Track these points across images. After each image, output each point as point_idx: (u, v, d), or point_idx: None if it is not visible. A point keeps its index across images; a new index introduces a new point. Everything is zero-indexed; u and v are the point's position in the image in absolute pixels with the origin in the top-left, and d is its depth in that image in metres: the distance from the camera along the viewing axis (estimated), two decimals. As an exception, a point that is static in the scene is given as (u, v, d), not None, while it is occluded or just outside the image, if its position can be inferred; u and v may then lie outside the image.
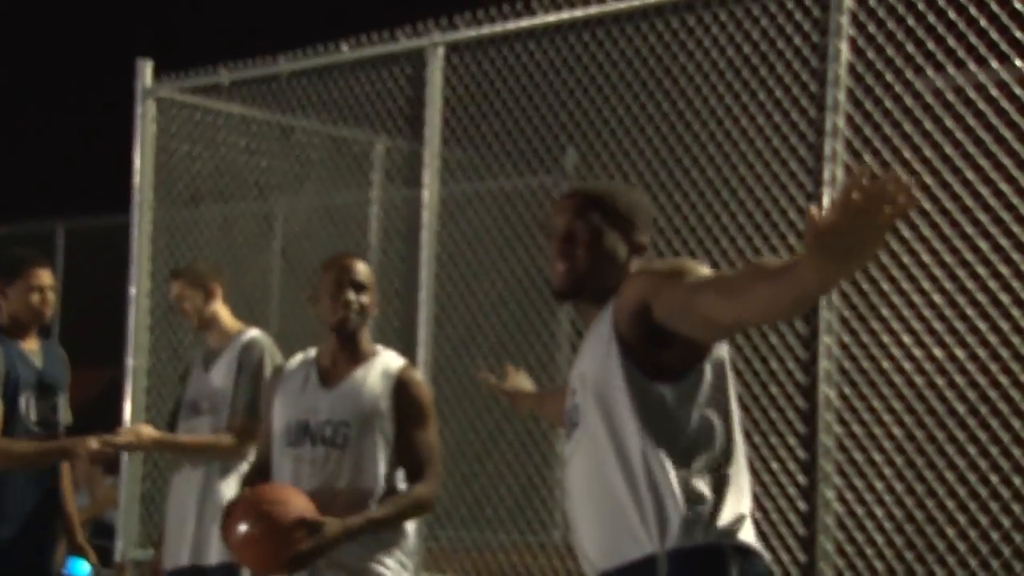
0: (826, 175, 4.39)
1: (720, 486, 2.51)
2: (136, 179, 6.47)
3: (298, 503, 3.44)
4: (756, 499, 4.69)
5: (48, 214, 9.32)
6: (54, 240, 9.21)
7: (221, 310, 4.69)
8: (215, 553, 4.45)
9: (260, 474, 3.80)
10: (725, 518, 2.50)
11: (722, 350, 2.58)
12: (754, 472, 4.66)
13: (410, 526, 3.72)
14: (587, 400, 2.60)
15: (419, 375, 3.79)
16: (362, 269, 3.68)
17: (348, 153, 6.67)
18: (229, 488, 4.47)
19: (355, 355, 3.68)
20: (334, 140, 6.69)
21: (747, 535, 2.52)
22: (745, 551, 2.51)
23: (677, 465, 2.49)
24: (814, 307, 4.46)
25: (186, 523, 4.56)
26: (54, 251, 9.21)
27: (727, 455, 2.54)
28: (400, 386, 3.65)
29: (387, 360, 3.70)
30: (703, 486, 2.49)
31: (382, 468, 3.62)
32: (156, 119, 6.47)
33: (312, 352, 3.77)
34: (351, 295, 3.61)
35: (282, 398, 3.73)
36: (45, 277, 4.62)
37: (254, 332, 4.66)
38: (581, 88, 5.36)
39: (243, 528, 3.41)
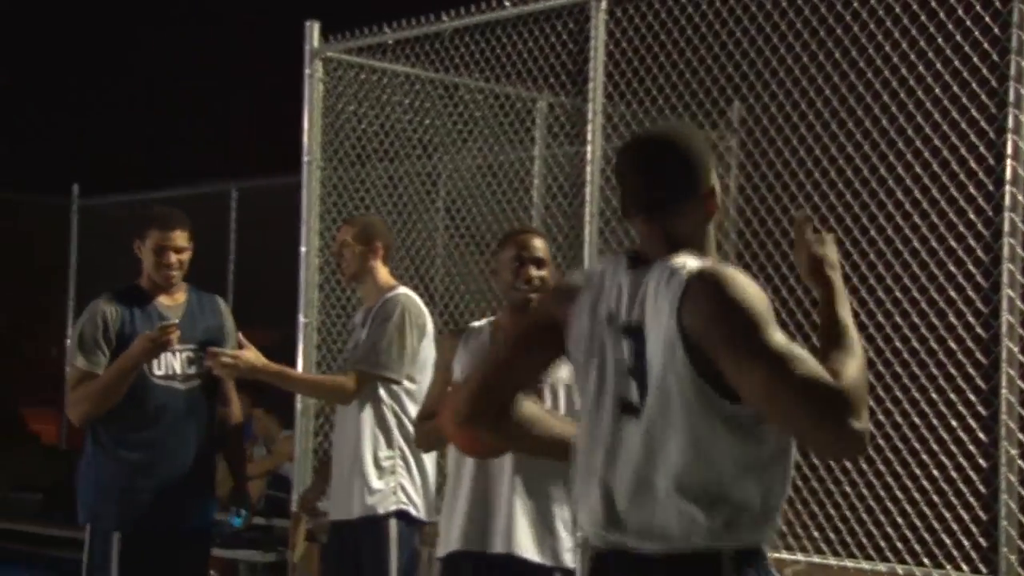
0: (1009, 122, 4.22)
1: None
2: (305, 140, 6.59)
3: None
4: (935, 456, 4.58)
5: (222, 176, 9.59)
6: (228, 201, 9.47)
7: (378, 267, 4.71)
8: (357, 507, 4.52)
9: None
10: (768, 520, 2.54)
11: None
12: (932, 428, 4.55)
13: None
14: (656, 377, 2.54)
15: None
16: (539, 244, 3.85)
17: (511, 110, 6.67)
18: (378, 446, 4.53)
19: None
20: (497, 97, 6.70)
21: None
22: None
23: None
24: (996, 259, 4.31)
25: (339, 478, 4.66)
26: (228, 212, 9.48)
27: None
28: None
29: None
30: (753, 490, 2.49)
31: None
32: (323, 80, 6.57)
33: (490, 318, 4.02)
34: (532, 271, 3.78)
35: (465, 353, 3.93)
36: (168, 238, 4.70)
37: (400, 289, 4.67)
38: (748, 39, 5.25)
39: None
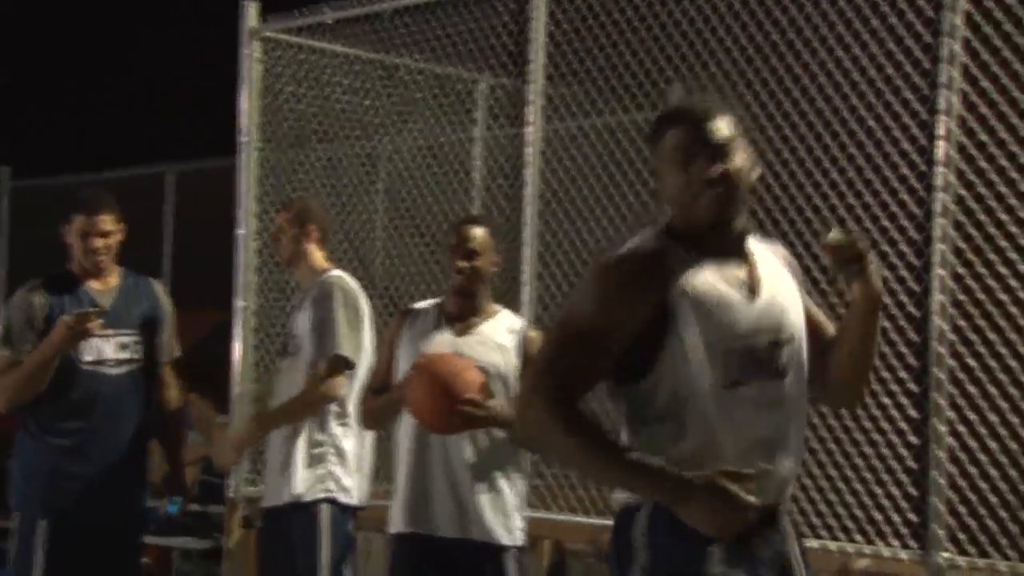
0: (941, 103, 4.27)
1: None
2: (242, 120, 6.53)
3: (475, 379, 3.80)
4: (867, 433, 4.63)
5: (157, 159, 9.47)
6: (163, 184, 9.36)
7: (312, 251, 4.68)
8: (286, 493, 4.50)
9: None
10: None
11: None
12: (864, 407, 4.59)
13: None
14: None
15: (533, 335, 4.08)
16: (476, 235, 4.01)
17: (452, 91, 6.65)
18: (313, 431, 4.50)
19: (478, 309, 4.05)
20: (437, 78, 6.68)
21: None
22: None
23: None
24: (928, 239, 4.36)
25: (272, 463, 4.63)
26: (163, 195, 9.36)
27: None
28: (527, 342, 4.00)
29: (510, 319, 4.10)
30: None
31: None
32: (261, 60, 6.51)
33: (435, 300, 4.15)
34: (463, 263, 3.97)
35: (410, 336, 4.05)
36: (93, 223, 4.64)
37: (334, 272, 4.64)
38: (687, 20, 5.27)
39: (421, 385, 3.77)
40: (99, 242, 4.66)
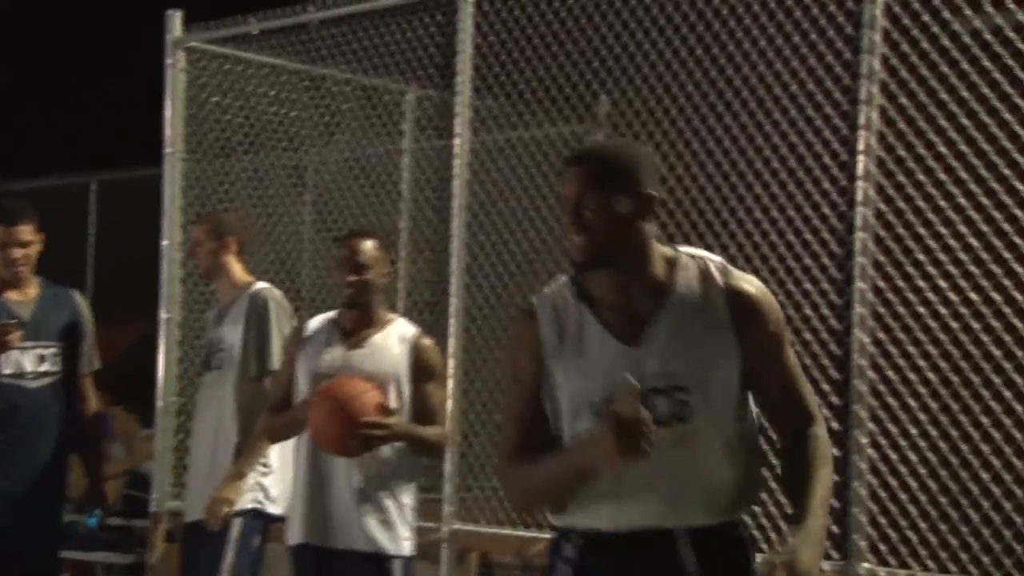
0: (861, 119, 4.34)
1: None
2: (167, 131, 6.47)
3: (373, 400, 3.86)
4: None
5: (81, 168, 9.35)
6: (88, 194, 9.24)
7: (231, 263, 4.66)
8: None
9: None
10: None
11: None
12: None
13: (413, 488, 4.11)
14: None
15: (432, 341, 4.15)
16: (364, 249, 4.04)
17: (379, 103, 6.64)
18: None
19: (371, 321, 4.07)
20: (365, 90, 6.66)
21: None
22: None
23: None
24: (849, 252, 4.43)
25: (196, 477, 4.62)
26: (88, 205, 9.25)
27: None
28: (417, 349, 4.05)
29: (403, 326, 4.12)
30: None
31: None
32: (186, 70, 6.45)
33: (330, 315, 4.16)
34: (352, 276, 3.99)
35: (306, 356, 4.09)
36: (10, 233, 4.57)
37: (261, 285, 4.64)
38: (613, 34, 5.31)
39: (321, 410, 3.84)
40: (18, 252, 4.59)
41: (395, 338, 4.07)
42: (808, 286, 4.69)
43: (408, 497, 4.08)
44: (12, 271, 4.60)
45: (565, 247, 2.63)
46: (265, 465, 4.47)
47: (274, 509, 4.49)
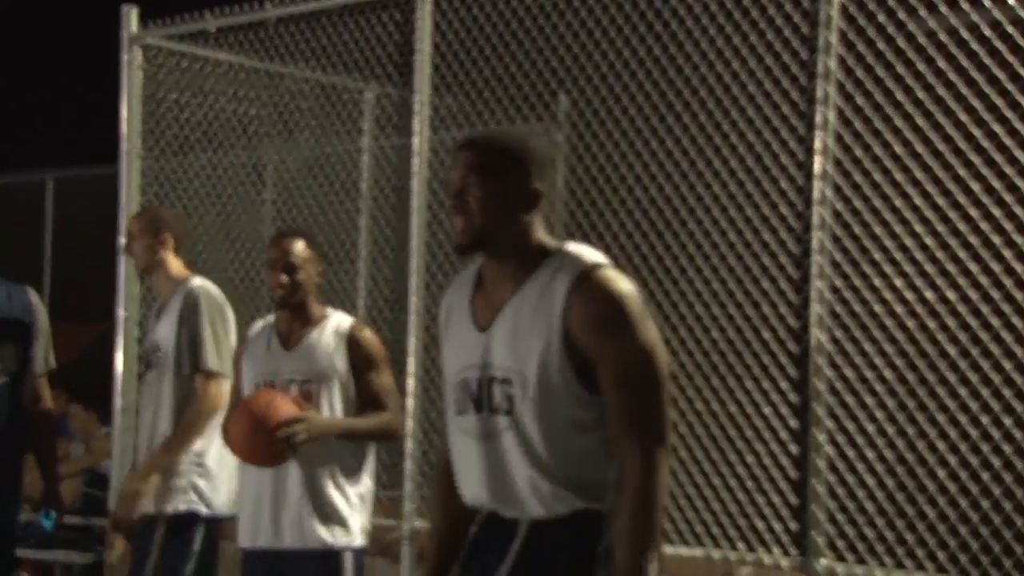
0: (818, 118, 4.37)
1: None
2: (123, 128, 6.41)
3: (284, 404, 3.91)
4: (748, 443, 4.73)
5: (37, 165, 9.26)
6: (44, 191, 9.15)
7: (169, 259, 4.60)
8: (147, 504, 4.45)
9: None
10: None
11: None
12: (746, 416, 4.68)
13: (369, 479, 4.13)
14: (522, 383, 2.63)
15: (367, 330, 4.20)
16: (293, 249, 4.05)
17: (338, 101, 6.62)
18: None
19: (307, 319, 4.10)
20: (323, 88, 6.64)
21: None
22: None
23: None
24: (806, 251, 4.46)
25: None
26: (44, 202, 9.16)
27: None
28: (352, 341, 4.07)
29: (338, 320, 4.13)
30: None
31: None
32: (143, 67, 6.40)
33: (271, 318, 4.22)
34: (282, 277, 4.02)
35: (248, 361, 4.16)
36: None
37: (195, 281, 4.57)
38: (572, 33, 5.32)
39: (239, 429, 3.91)
40: None
41: (330, 333, 4.10)
42: (766, 284, 4.72)
43: (356, 489, 4.09)
44: None
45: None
46: (199, 465, 4.42)
47: (215, 510, 4.45)
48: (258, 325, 4.24)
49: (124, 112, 6.40)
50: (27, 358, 4.70)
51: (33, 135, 12.98)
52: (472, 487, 2.69)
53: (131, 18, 6.41)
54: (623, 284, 2.57)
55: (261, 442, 3.89)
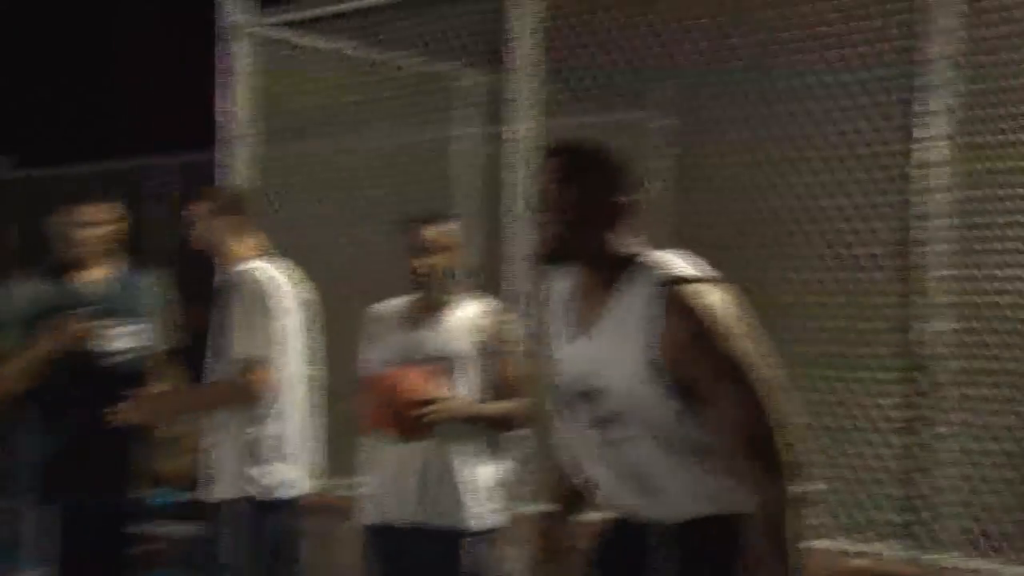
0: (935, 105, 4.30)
1: None
2: (228, 115, 6.46)
3: (420, 381, 3.98)
4: (861, 432, 4.65)
5: (135, 151, 9.40)
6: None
7: (230, 241, 4.52)
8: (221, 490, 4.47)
9: None
10: None
11: None
12: (858, 404, 4.61)
13: (507, 462, 4.18)
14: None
15: (503, 314, 4.24)
16: (431, 234, 4.13)
17: (436, 87, 6.62)
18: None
19: (439, 304, 4.18)
20: (418, 75, 6.64)
21: None
22: None
23: None
24: (925, 240, 4.39)
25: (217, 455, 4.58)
26: (139, 188, 9.26)
27: None
28: (485, 328, 4.15)
29: (471, 307, 4.21)
30: None
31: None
32: (251, 55, 6.46)
33: (401, 299, 4.29)
34: (417, 260, 4.10)
35: (381, 339, 4.21)
36: (72, 214, 4.68)
37: (254, 263, 4.50)
38: (676, 19, 5.26)
39: (375, 403, 3.98)
40: (89, 232, 4.69)
41: (463, 318, 4.15)
42: (877, 275, 4.66)
43: (487, 473, 4.12)
44: (84, 252, 4.71)
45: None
46: (276, 449, 4.39)
47: (278, 494, 4.41)
48: (385, 306, 4.29)
49: (228, 100, 6.44)
50: (149, 338, 4.82)
51: (130, 122, 13.22)
52: (601, 487, 2.72)
53: (235, 6, 6.46)
54: (711, 297, 2.53)
55: (396, 419, 3.95)
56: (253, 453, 4.41)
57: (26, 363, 4.59)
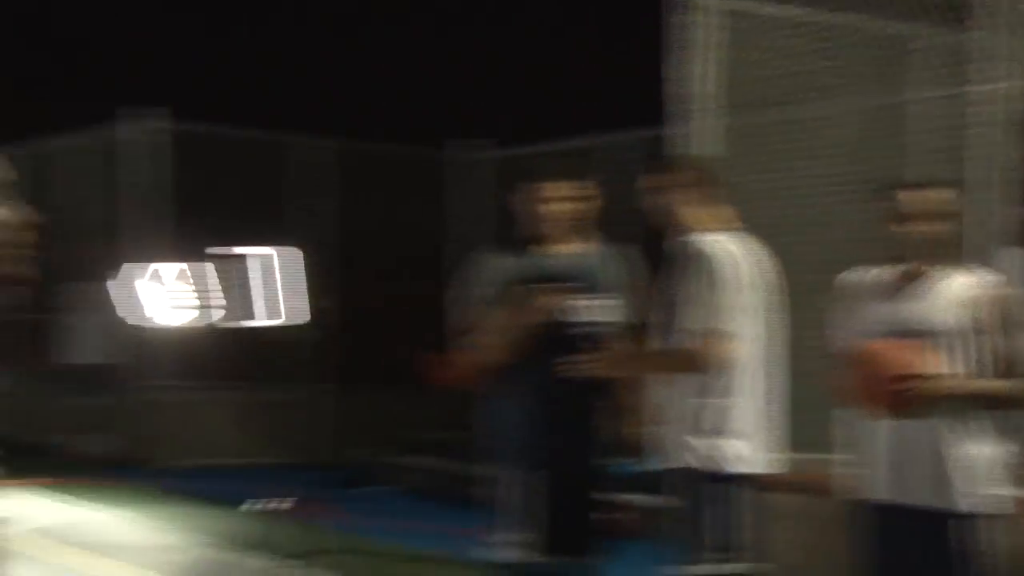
0: None
1: None
2: (685, 88, 6.50)
3: (907, 355, 3.87)
4: None
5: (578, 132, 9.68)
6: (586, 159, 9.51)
7: (693, 213, 4.46)
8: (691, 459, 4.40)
9: None
10: None
11: None
12: None
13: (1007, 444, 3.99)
14: None
15: (998, 289, 4.00)
16: (910, 199, 3.96)
17: (894, 49, 6.41)
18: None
19: (924, 274, 3.98)
20: (875, 37, 6.44)
21: None
22: None
23: None
24: None
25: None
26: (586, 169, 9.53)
27: None
28: (978, 302, 3.93)
29: (962, 279, 3.99)
30: None
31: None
32: (714, 27, 6.48)
33: (880, 268, 4.10)
34: (899, 227, 3.96)
35: (854, 309, 4.10)
36: (536, 191, 4.78)
37: (714, 236, 4.40)
38: None
39: (862, 378, 3.90)
40: (555, 207, 4.84)
41: (950, 291, 3.97)
42: None
43: (984, 454, 3.94)
44: (549, 227, 4.89)
45: None
46: (732, 422, 4.34)
47: (740, 467, 4.35)
48: (862, 275, 4.17)
49: (693, 72, 6.48)
50: (617, 312, 4.91)
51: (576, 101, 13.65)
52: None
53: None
54: None
55: (886, 394, 3.86)
56: (697, 424, 4.39)
57: (508, 334, 4.72)
